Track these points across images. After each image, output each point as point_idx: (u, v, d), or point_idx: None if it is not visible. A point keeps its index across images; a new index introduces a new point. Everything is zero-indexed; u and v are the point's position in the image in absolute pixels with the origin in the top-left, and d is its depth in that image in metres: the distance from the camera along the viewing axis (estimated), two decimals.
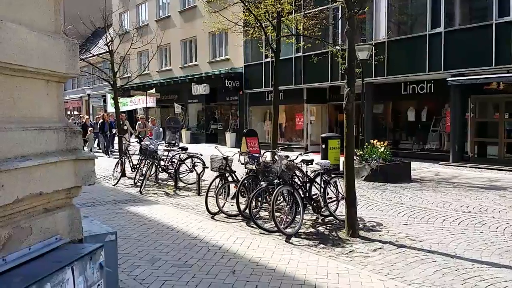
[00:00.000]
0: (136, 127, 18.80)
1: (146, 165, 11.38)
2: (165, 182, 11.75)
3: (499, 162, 15.27)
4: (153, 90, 25.20)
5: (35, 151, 2.66)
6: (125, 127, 20.77)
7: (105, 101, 31.87)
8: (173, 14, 30.39)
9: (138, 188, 10.75)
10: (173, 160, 11.76)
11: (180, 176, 11.47)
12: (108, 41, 13.66)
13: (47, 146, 2.79)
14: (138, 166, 11.93)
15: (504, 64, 14.38)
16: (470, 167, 15.07)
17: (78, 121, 25.52)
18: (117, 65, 14.06)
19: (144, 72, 26.55)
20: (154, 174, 11.59)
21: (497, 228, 7.07)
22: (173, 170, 11.36)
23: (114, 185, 11.69)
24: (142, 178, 11.00)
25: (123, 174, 12.51)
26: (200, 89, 26.64)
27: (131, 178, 12.04)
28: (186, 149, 12.23)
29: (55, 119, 2.96)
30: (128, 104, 24.37)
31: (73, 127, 3.06)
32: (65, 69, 2.93)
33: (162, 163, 11.56)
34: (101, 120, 21.55)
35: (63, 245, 2.86)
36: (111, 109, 23.04)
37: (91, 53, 19.23)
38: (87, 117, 25.45)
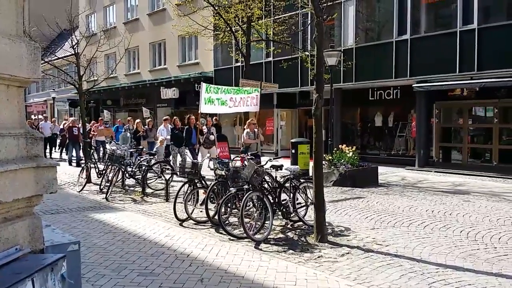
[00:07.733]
0: (244, 136, 12.72)
1: (112, 170, 11.12)
2: (132, 189, 11.52)
3: (463, 167, 15.69)
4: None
5: None
6: (212, 137, 14.48)
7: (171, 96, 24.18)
8: (142, 17, 30.06)
9: (104, 195, 10.48)
10: (141, 165, 11.52)
11: (148, 182, 11.24)
12: (74, 43, 13.37)
13: (7, 153, 2.68)
14: (104, 172, 11.65)
15: (467, 71, 14.80)
16: (435, 171, 15.43)
17: (127, 126, 17.75)
18: (83, 68, 13.76)
19: (111, 75, 25.91)
20: (120, 180, 11.34)
21: (461, 232, 7.23)
22: (140, 176, 11.13)
23: (79, 191, 11.38)
24: (108, 184, 10.72)
25: (88, 180, 12.15)
26: (169, 93, 26.36)
27: (97, 185, 11.75)
28: (154, 154, 12.06)
29: (15, 125, 2.85)
30: (227, 103, 12.85)
31: (34, 133, 2.96)
32: (27, 74, 2.83)
33: (129, 168, 11.30)
34: (185, 126, 15.70)
35: (23, 256, 2.75)
36: (204, 108, 12.64)
37: (56, 56, 18.78)
38: (138, 120, 17.38)
